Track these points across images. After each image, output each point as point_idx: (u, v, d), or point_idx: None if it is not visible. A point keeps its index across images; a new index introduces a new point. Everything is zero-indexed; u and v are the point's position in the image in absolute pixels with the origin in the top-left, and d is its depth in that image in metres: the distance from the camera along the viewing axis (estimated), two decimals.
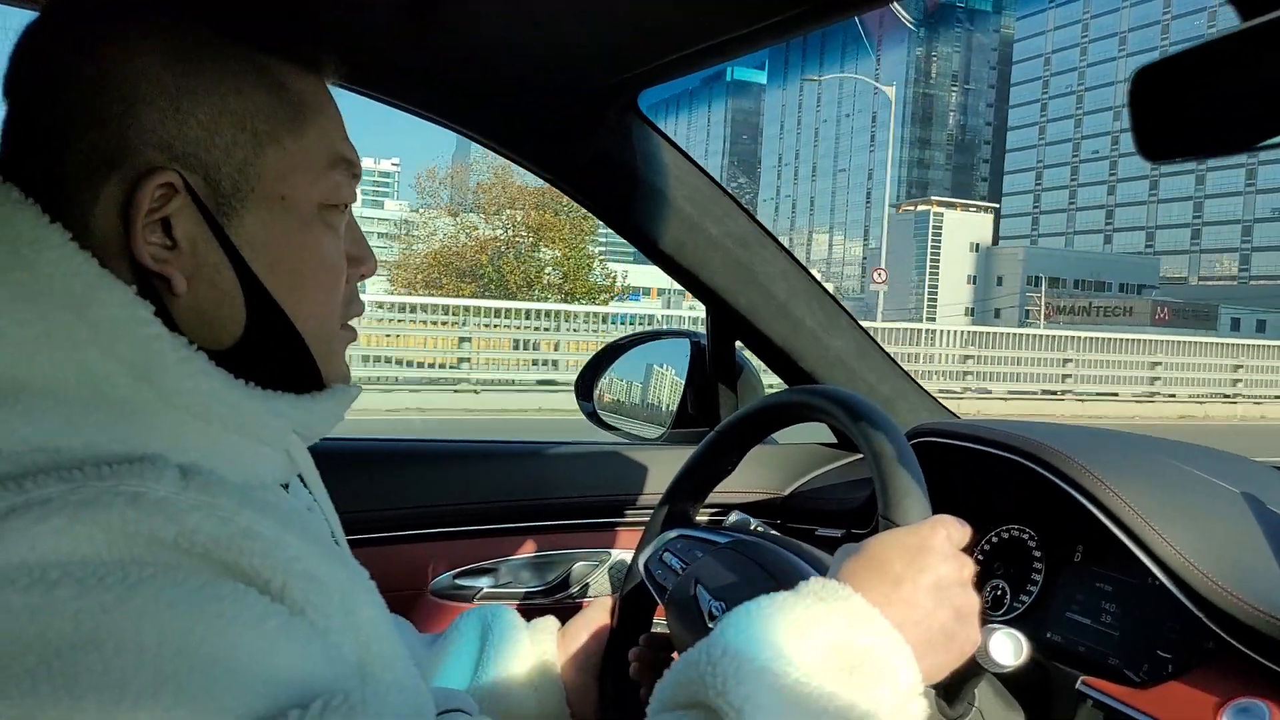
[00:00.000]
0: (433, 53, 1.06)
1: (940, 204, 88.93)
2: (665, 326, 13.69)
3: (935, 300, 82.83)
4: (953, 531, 0.68)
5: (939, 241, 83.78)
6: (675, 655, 0.95)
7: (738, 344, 1.47)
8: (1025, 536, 1.05)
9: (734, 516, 1.13)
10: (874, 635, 0.59)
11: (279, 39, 0.59)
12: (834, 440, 1.52)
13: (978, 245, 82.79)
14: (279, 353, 0.60)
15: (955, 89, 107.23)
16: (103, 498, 0.45)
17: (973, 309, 77.26)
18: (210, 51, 0.56)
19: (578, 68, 1.08)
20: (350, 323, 0.67)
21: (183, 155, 0.55)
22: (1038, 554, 1.02)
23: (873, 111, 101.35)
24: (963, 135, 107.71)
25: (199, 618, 0.44)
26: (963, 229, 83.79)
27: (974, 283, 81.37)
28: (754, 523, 1.12)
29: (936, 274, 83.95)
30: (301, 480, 0.66)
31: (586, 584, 1.34)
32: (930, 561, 0.65)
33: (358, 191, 0.65)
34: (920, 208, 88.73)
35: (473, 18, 0.96)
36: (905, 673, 0.59)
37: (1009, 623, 0.93)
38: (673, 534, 1.03)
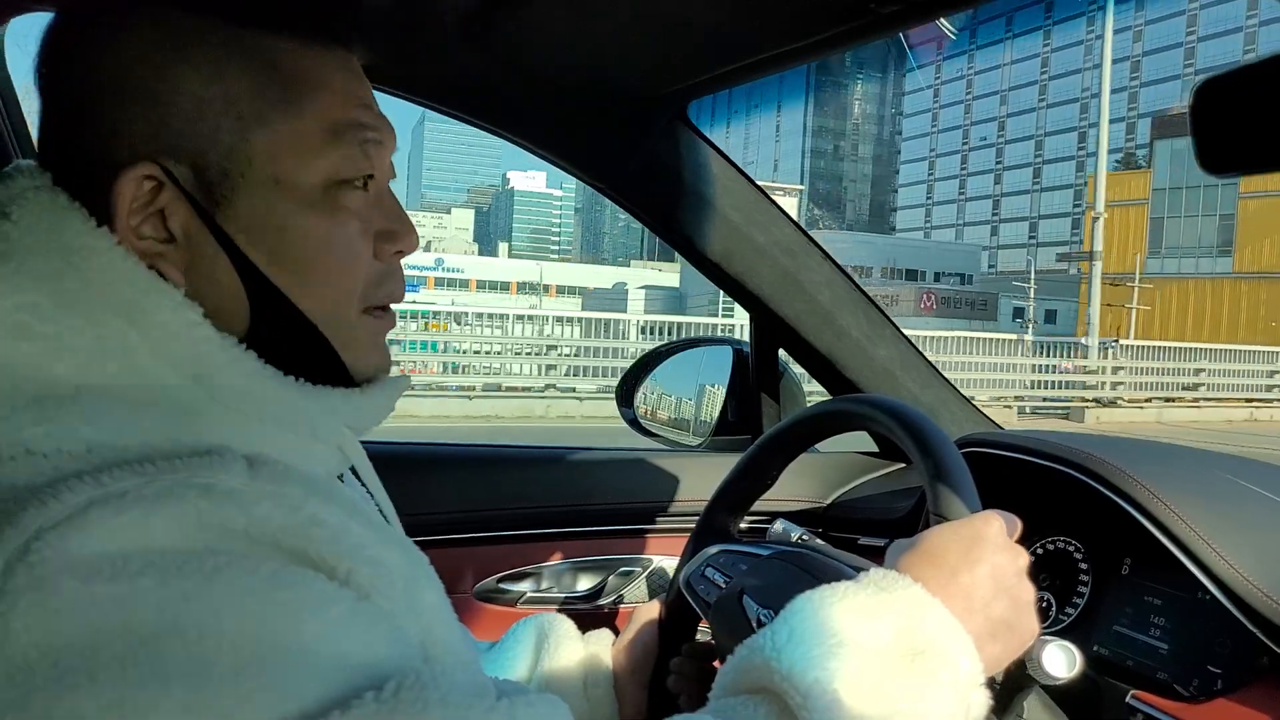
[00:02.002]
0: (488, 63, 1.08)
1: None
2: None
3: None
4: (1005, 524, 0.68)
5: None
6: (717, 664, 0.96)
7: (780, 352, 1.48)
8: (1072, 548, 1.04)
9: (779, 525, 1.13)
10: (935, 624, 0.59)
11: (269, 18, 0.58)
12: (875, 450, 1.52)
13: None
14: (291, 341, 0.58)
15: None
16: (176, 490, 0.46)
17: None
18: (192, 37, 0.55)
19: (629, 79, 1.10)
20: (391, 306, 0.64)
21: (167, 146, 0.54)
22: (1084, 566, 1.02)
23: None
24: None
25: (272, 604, 0.45)
26: None
27: None
28: (797, 532, 1.12)
29: None
30: (355, 474, 0.66)
31: (627, 590, 1.35)
32: (985, 552, 0.65)
33: (383, 161, 0.61)
34: None
35: (527, 29, 0.98)
36: (966, 661, 0.59)
37: (1055, 635, 0.93)
38: (714, 549, 1.02)
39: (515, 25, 0.95)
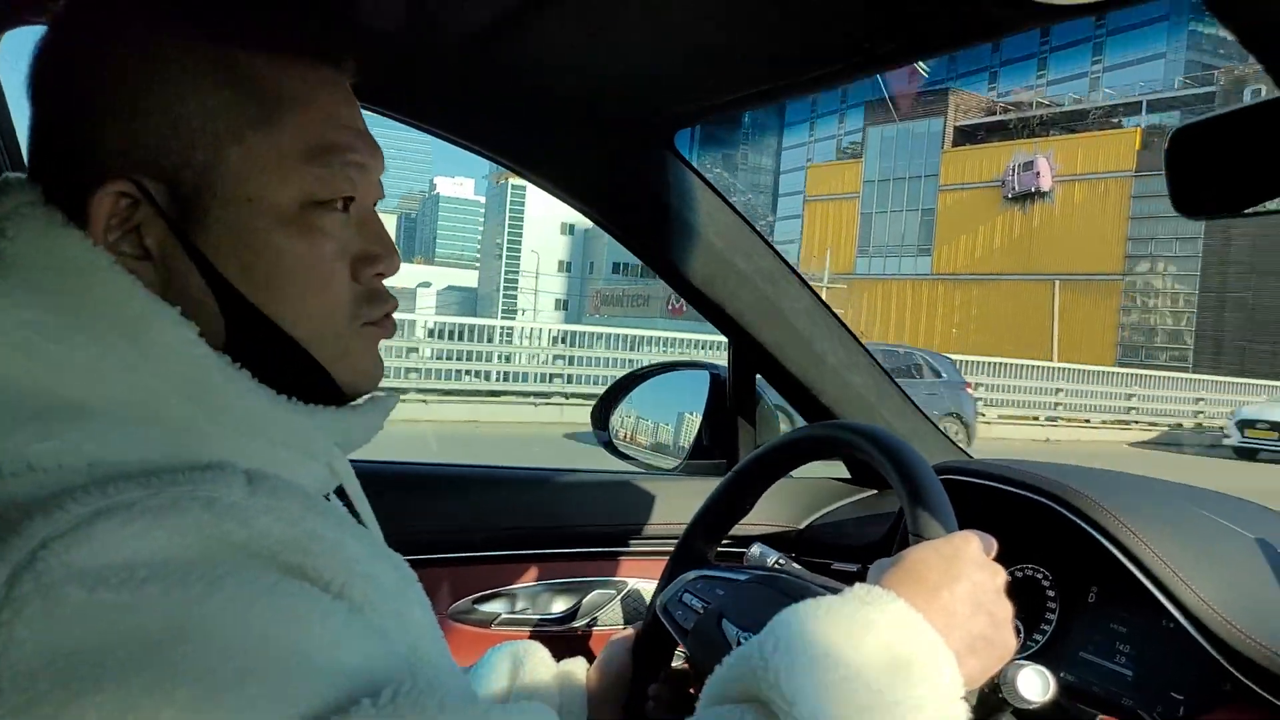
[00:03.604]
0: (478, 85, 1.09)
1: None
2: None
3: (514, 291, 69.92)
4: (982, 543, 0.70)
5: (519, 221, 69.40)
6: (699, 690, 0.96)
7: (757, 378, 1.50)
8: (1040, 576, 1.06)
9: (756, 549, 1.14)
10: (918, 638, 0.61)
11: (259, 35, 0.57)
12: (847, 476, 1.54)
13: (572, 227, 68.36)
14: (270, 359, 0.58)
15: None
16: (180, 502, 0.47)
17: (566, 302, 67.06)
18: (171, 53, 0.55)
19: (621, 106, 1.12)
20: (388, 317, 0.64)
21: (143, 162, 0.55)
22: (1052, 594, 1.04)
23: None
24: None
25: (273, 613, 0.45)
26: (554, 206, 65.37)
27: (569, 270, 68.62)
28: (773, 557, 1.14)
29: (517, 260, 69.74)
30: (338, 494, 0.66)
31: (602, 613, 1.35)
32: (965, 570, 0.66)
33: (368, 183, 0.61)
34: (501, 180, 73.24)
35: (521, 53, 0.99)
36: (948, 674, 0.60)
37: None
38: (691, 575, 1.03)
39: (510, 50, 0.97)
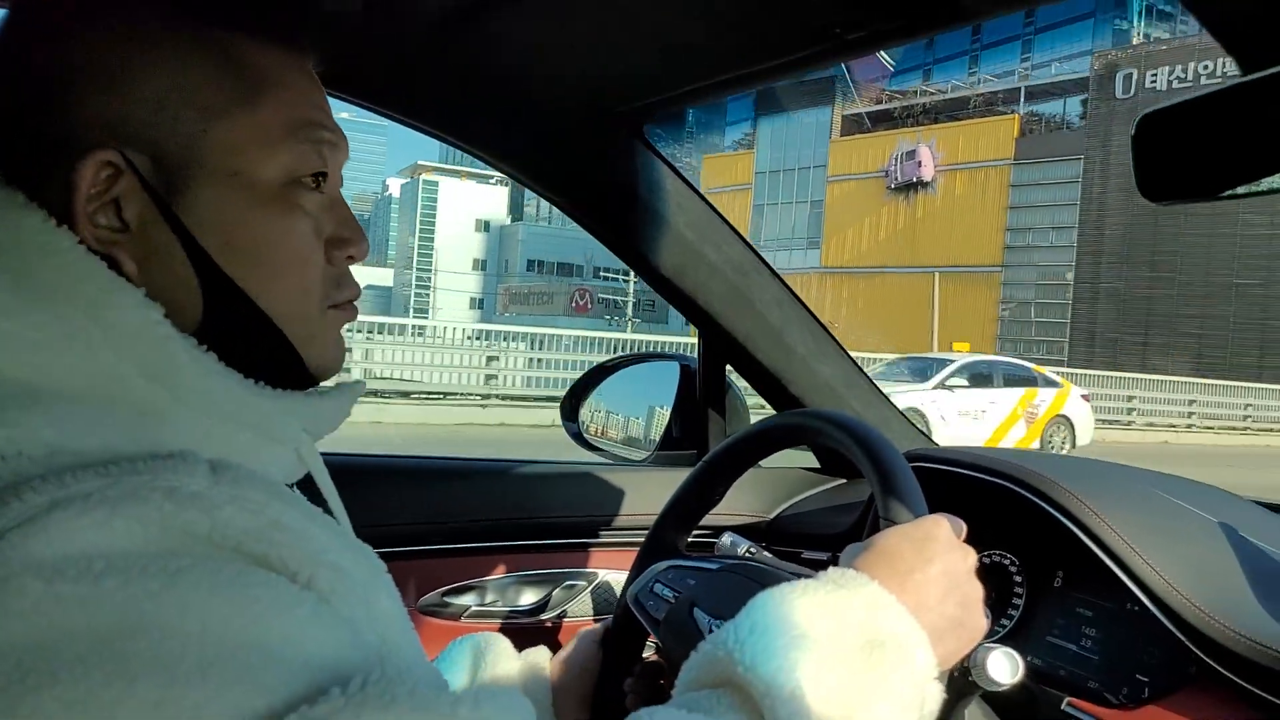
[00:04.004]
0: (449, 74, 1.08)
1: (434, 170, 71.70)
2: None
3: (426, 289, 66.98)
4: (952, 525, 0.71)
5: (432, 218, 66.58)
6: (671, 681, 0.96)
7: (727, 368, 1.50)
8: (1007, 562, 1.07)
9: (727, 538, 1.14)
10: (892, 619, 0.61)
11: (233, 15, 0.58)
12: (817, 465, 1.55)
13: (487, 223, 65.92)
14: (245, 337, 0.58)
15: None
16: (140, 492, 0.46)
17: (481, 300, 64.20)
18: (156, 31, 0.55)
19: (590, 95, 1.11)
20: (352, 303, 0.65)
21: (127, 134, 0.54)
22: (1019, 579, 1.05)
23: None
24: None
25: (236, 604, 0.44)
26: (467, 202, 65.51)
27: (484, 269, 65.63)
28: (744, 545, 1.14)
29: (429, 258, 66.46)
30: (303, 484, 0.66)
31: (572, 604, 1.35)
32: (937, 552, 0.67)
33: (336, 166, 0.61)
34: (416, 175, 71.77)
35: (490, 41, 0.98)
36: (922, 655, 0.61)
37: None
38: (662, 565, 1.03)
39: (479, 37, 0.96)
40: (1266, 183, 0.55)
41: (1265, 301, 31.31)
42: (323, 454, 0.66)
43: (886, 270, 42.00)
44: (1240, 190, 0.53)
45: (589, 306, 46.99)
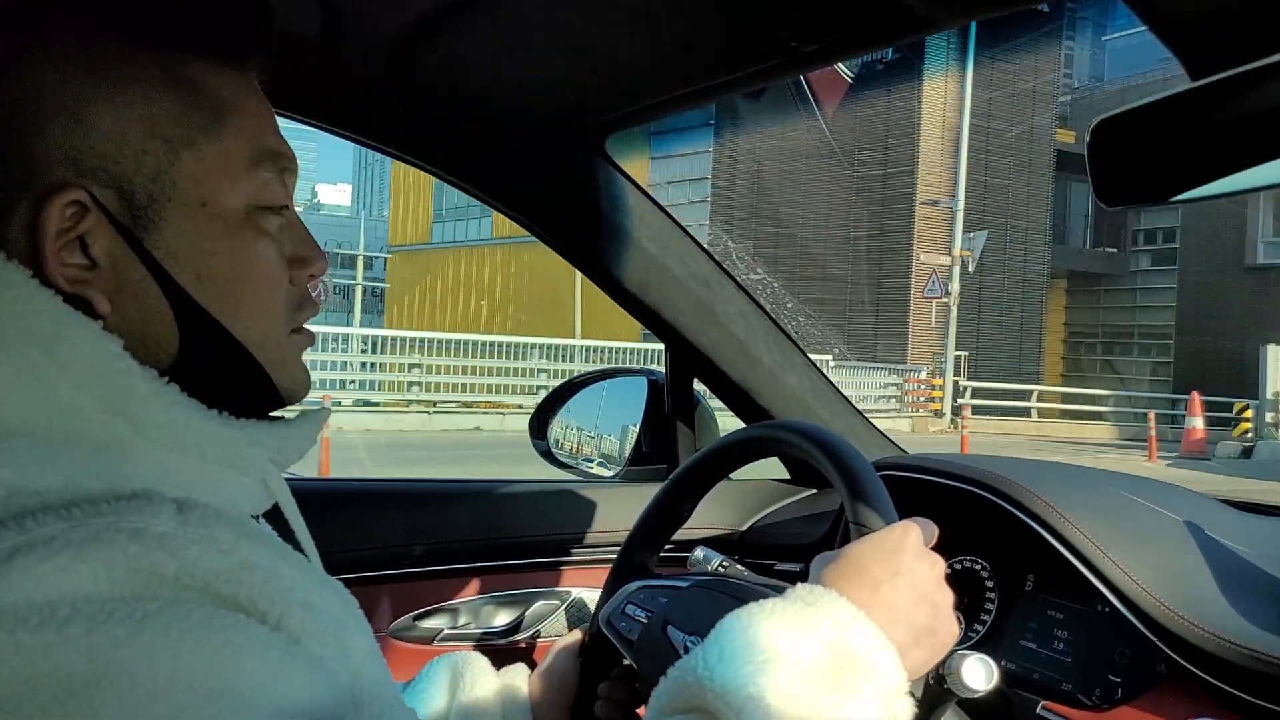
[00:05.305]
0: (407, 94, 1.08)
1: None
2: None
3: None
4: (922, 531, 0.70)
5: None
6: (646, 691, 0.95)
7: (695, 382, 1.50)
8: (978, 567, 1.08)
9: (699, 553, 1.13)
10: (861, 636, 0.61)
11: (188, 39, 0.57)
12: (787, 476, 1.55)
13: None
14: (222, 366, 0.58)
15: None
16: (104, 534, 0.45)
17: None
18: (114, 60, 0.54)
19: (550, 111, 1.11)
20: (306, 326, 0.65)
21: (90, 170, 0.53)
22: (990, 584, 1.06)
23: None
24: None
25: (206, 649, 0.44)
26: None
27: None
28: (716, 559, 1.13)
29: None
30: (270, 515, 0.65)
31: (546, 624, 1.34)
32: (905, 561, 0.67)
33: (292, 190, 0.62)
34: None
35: (448, 59, 0.98)
36: (892, 671, 0.61)
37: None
38: (633, 586, 1.02)
39: (436, 55, 0.95)
40: (1217, 186, 0.56)
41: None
42: (287, 479, 0.65)
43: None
44: (1194, 194, 0.54)
45: (324, 298, 44.71)
